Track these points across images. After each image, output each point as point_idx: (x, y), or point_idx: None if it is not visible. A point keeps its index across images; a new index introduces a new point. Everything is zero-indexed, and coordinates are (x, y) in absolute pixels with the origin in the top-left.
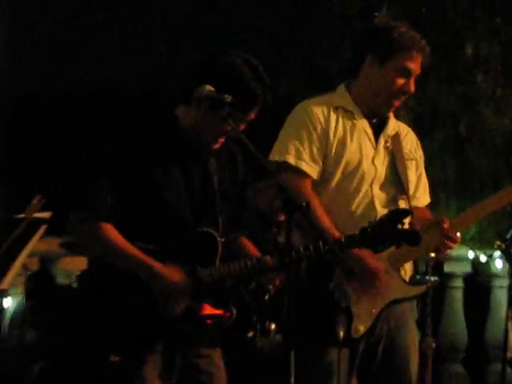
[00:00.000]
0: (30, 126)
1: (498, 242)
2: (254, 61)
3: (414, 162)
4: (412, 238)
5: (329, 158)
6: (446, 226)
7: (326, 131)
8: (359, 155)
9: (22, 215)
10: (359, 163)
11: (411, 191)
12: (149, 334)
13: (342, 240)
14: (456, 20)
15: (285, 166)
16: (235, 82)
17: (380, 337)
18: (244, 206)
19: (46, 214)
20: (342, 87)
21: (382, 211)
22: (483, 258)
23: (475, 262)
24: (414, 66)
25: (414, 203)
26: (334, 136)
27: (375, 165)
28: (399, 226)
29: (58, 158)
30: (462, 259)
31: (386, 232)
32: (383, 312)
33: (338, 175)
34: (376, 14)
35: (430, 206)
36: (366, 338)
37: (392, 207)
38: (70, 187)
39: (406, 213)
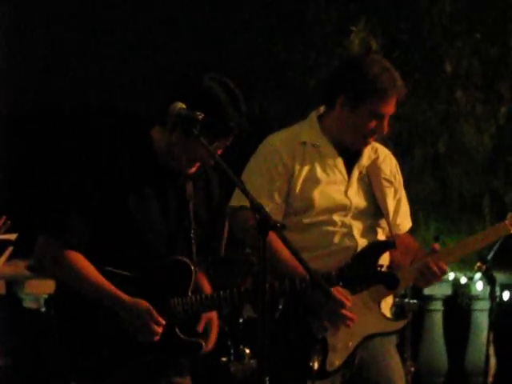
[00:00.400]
0: None
1: (479, 264)
2: (231, 85)
3: (392, 189)
4: (390, 281)
5: (294, 196)
6: (436, 259)
7: (289, 170)
8: (330, 190)
9: None
10: (331, 197)
11: (391, 217)
12: (118, 361)
13: (320, 279)
14: (435, 35)
15: (243, 207)
16: (213, 110)
17: (360, 367)
18: (215, 230)
19: (12, 236)
20: (313, 117)
21: (361, 241)
22: (464, 280)
23: (455, 284)
24: (388, 109)
25: (395, 230)
26: (300, 173)
27: (349, 197)
28: (379, 268)
29: (25, 178)
30: (442, 281)
31: (364, 274)
32: (360, 345)
33: (310, 211)
34: (353, 28)
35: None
36: (344, 370)
37: (371, 237)
38: (39, 210)
39: (387, 245)
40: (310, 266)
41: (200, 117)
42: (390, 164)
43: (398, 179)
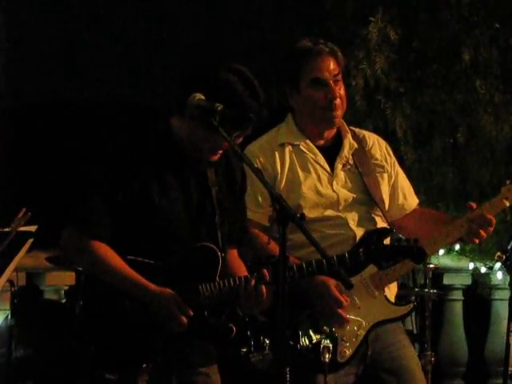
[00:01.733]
0: (16, 138)
1: (499, 254)
2: (249, 75)
3: (385, 175)
4: (417, 254)
5: None
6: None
7: (270, 174)
8: (315, 187)
9: (8, 229)
10: (317, 194)
11: (387, 204)
12: (146, 350)
13: (346, 257)
14: (454, 25)
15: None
16: (230, 100)
17: (375, 359)
18: (238, 216)
19: (32, 228)
20: (289, 118)
21: (358, 230)
22: (483, 270)
23: (475, 274)
24: (323, 72)
25: (401, 212)
26: (282, 175)
27: (335, 191)
28: (405, 242)
29: (46, 170)
30: (462, 271)
31: (391, 248)
32: (370, 334)
33: (299, 210)
34: (372, 18)
35: None
36: (357, 362)
37: (369, 225)
38: (63, 202)
39: (383, 232)
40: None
41: (219, 108)
42: (379, 147)
43: (391, 161)
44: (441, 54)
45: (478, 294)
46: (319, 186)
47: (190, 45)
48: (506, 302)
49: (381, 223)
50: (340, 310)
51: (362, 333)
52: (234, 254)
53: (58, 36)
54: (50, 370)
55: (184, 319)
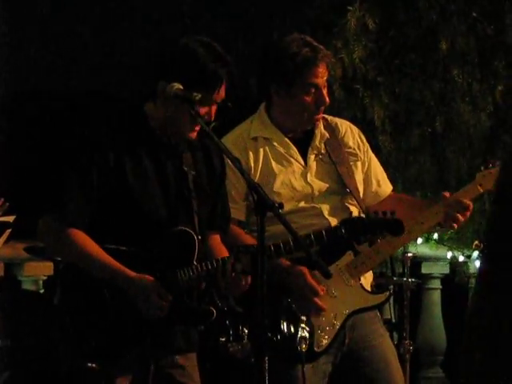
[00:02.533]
0: None
1: (477, 242)
2: (207, 40)
3: (359, 163)
4: (395, 226)
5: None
6: (448, 195)
7: (244, 168)
8: (289, 180)
9: None
10: (292, 187)
11: (361, 192)
12: (127, 339)
13: (323, 234)
14: (431, 14)
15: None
16: (194, 67)
17: (352, 347)
18: (220, 202)
19: (10, 218)
20: (262, 110)
21: (332, 220)
22: (461, 259)
23: (453, 263)
24: (319, 79)
25: (375, 199)
26: (256, 169)
27: (309, 182)
28: (383, 215)
29: (22, 160)
30: (440, 260)
31: (369, 222)
32: (347, 323)
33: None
34: (350, 8)
35: None
36: (334, 351)
37: (342, 215)
38: (38, 191)
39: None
40: (308, 247)
41: (197, 97)
42: (352, 135)
43: (364, 148)
44: (418, 43)
45: (456, 283)
46: (293, 179)
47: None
48: None
49: (355, 212)
50: (316, 299)
51: (339, 322)
52: (216, 239)
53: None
54: (28, 361)
55: (164, 304)
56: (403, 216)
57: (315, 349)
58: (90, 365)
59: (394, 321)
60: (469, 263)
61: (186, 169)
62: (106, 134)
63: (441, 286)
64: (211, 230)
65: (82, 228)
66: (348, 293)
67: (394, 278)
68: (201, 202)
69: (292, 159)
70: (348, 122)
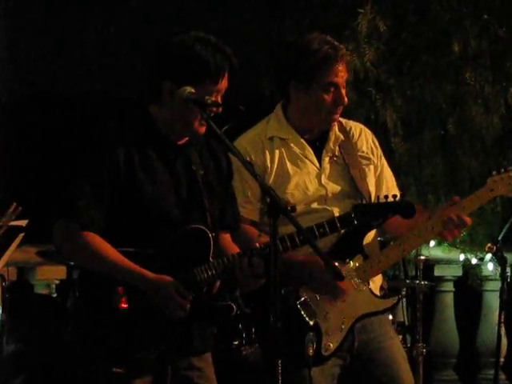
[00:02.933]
0: (5, 133)
1: (489, 245)
2: (202, 34)
3: (371, 166)
4: (407, 208)
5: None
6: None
7: (260, 168)
8: (303, 181)
9: None
10: (306, 189)
11: (373, 196)
12: (149, 339)
13: (336, 221)
14: (443, 16)
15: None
16: (194, 63)
17: (362, 350)
18: (228, 201)
19: (23, 222)
20: (278, 110)
21: None
22: (474, 261)
23: (466, 266)
24: (338, 78)
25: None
26: (272, 169)
27: (324, 185)
28: (393, 198)
29: (36, 165)
30: (453, 262)
31: (379, 205)
32: (355, 326)
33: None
34: (361, 10)
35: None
36: (343, 354)
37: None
38: (52, 196)
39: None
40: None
41: (209, 101)
42: (365, 139)
43: (377, 153)
44: (430, 45)
45: (469, 286)
46: (307, 181)
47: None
48: (497, 293)
49: None
50: (341, 283)
51: (347, 326)
52: (227, 238)
53: (51, 31)
54: (41, 364)
55: (186, 303)
56: (404, 227)
57: (323, 352)
58: (115, 369)
59: (407, 323)
60: (482, 266)
61: (194, 168)
62: (114, 136)
63: (454, 289)
64: (222, 229)
65: (97, 231)
66: (357, 297)
67: (407, 281)
68: (211, 200)
69: (307, 160)
70: (362, 126)
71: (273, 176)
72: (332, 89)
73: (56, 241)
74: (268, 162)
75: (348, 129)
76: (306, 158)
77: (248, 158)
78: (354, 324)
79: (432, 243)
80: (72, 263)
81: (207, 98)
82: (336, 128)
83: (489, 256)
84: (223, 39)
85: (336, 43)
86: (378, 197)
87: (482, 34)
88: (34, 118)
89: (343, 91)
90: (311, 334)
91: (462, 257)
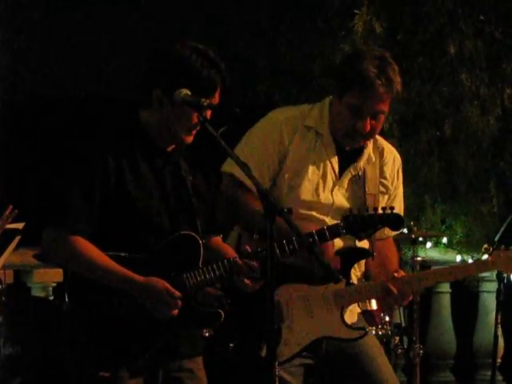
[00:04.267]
0: (0, 135)
1: (486, 246)
2: (200, 46)
3: (386, 196)
4: (395, 222)
5: (282, 180)
6: (393, 287)
7: (284, 149)
8: (316, 185)
9: None
10: (315, 192)
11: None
12: (137, 344)
13: (325, 229)
14: (439, 18)
15: (231, 177)
16: (188, 75)
17: (332, 350)
18: (217, 206)
19: (20, 225)
20: (326, 103)
21: (336, 241)
22: (471, 262)
23: None
24: (368, 109)
25: (381, 235)
26: (294, 157)
27: (333, 195)
28: (382, 211)
29: (32, 168)
30: (449, 263)
31: (368, 217)
32: (312, 344)
33: (292, 201)
34: (357, 11)
35: (416, 210)
36: (309, 357)
37: (348, 240)
38: (44, 198)
39: (364, 254)
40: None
41: (205, 103)
42: (392, 167)
43: (396, 184)
44: (426, 46)
45: (466, 287)
46: (321, 185)
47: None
48: (494, 294)
49: (364, 244)
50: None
51: (305, 342)
52: (218, 240)
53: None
54: (38, 367)
55: (176, 303)
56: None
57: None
58: (102, 374)
59: (403, 325)
60: None
61: (184, 174)
62: (104, 141)
63: (450, 290)
64: (212, 233)
65: (85, 236)
66: (326, 318)
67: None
68: (201, 206)
69: (329, 165)
70: (394, 151)
71: (293, 166)
72: (357, 113)
73: (45, 246)
74: (293, 147)
75: (381, 149)
76: (330, 162)
77: (278, 133)
78: (314, 342)
79: (429, 244)
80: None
81: (203, 100)
82: (371, 146)
83: (485, 257)
84: (220, 41)
85: (390, 73)
86: (367, 209)
87: (477, 36)
88: (32, 120)
89: (366, 122)
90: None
91: (458, 258)
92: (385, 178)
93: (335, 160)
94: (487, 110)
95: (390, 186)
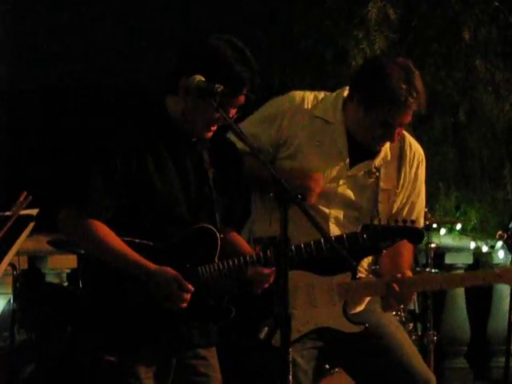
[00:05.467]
0: (15, 123)
1: (500, 232)
2: (238, 43)
3: (401, 195)
4: (414, 235)
5: (280, 164)
6: (396, 288)
7: (284, 135)
8: (318, 170)
9: (9, 213)
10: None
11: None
12: (147, 333)
13: (344, 237)
14: (453, 4)
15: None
16: (220, 67)
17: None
18: (238, 199)
19: (34, 211)
20: (339, 97)
21: (335, 230)
22: (485, 249)
23: (477, 253)
24: (399, 120)
25: None
26: (296, 150)
27: (338, 185)
28: (403, 223)
29: (45, 153)
30: (464, 250)
31: (389, 228)
32: (309, 334)
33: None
34: None
35: (430, 197)
36: (314, 340)
37: (351, 228)
38: (60, 182)
39: (374, 250)
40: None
41: (219, 89)
42: (416, 167)
43: (413, 185)
44: (441, 33)
45: None
46: (326, 172)
47: (181, 24)
48: None
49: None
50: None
51: (305, 330)
52: (234, 234)
53: (57, 23)
54: (52, 354)
55: (185, 296)
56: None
57: (273, 342)
58: (108, 358)
59: (417, 311)
60: (492, 253)
61: (206, 167)
62: (127, 127)
63: None
64: (229, 226)
65: (103, 220)
66: (328, 309)
67: (418, 269)
68: (221, 200)
69: (337, 154)
70: (420, 150)
71: (292, 155)
72: (386, 126)
73: (61, 226)
74: (298, 138)
75: (406, 147)
76: (339, 151)
77: (280, 119)
78: (312, 331)
79: (443, 231)
80: (82, 252)
81: (217, 86)
82: (388, 144)
83: (500, 243)
84: (235, 27)
85: (417, 85)
86: (388, 220)
87: (492, 22)
88: (46, 106)
89: (396, 131)
90: (270, 320)
91: (472, 244)
92: (404, 167)
93: (345, 150)
94: (502, 96)
95: (409, 186)
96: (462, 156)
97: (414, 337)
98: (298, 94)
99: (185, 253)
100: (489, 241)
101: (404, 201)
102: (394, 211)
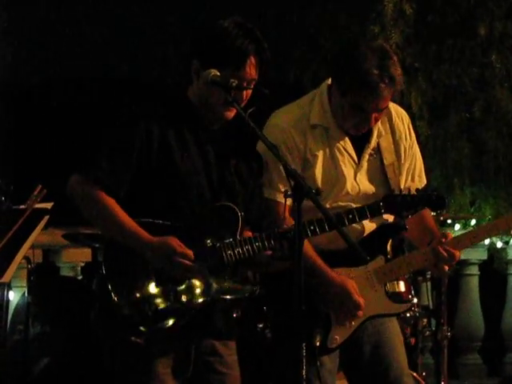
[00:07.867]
0: (30, 116)
1: None
2: (244, 21)
3: (407, 163)
4: (437, 202)
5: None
6: (445, 241)
7: (301, 153)
8: (339, 176)
9: (24, 206)
10: (341, 183)
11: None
12: (169, 313)
13: (366, 209)
14: None
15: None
16: (221, 44)
17: (360, 336)
18: (254, 200)
19: (48, 205)
20: (324, 90)
21: (368, 225)
22: (499, 245)
23: (491, 249)
24: (372, 105)
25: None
26: (314, 159)
27: (357, 182)
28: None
29: (61, 147)
30: (478, 246)
31: (410, 197)
32: (364, 324)
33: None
34: None
35: (445, 191)
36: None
37: (379, 220)
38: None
39: (397, 227)
40: (346, 232)
41: (234, 84)
42: (402, 126)
43: (410, 143)
44: (456, 28)
45: (494, 269)
46: (343, 176)
47: (197, 15)
48: None
49: (390, 218)
50: (359, 312)
51: (357, 323)
52: (248, 233)
53: (62, 16)
54: (67, 347)
55: (187, 263)
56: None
57: (328, 345)
58: (133, 339)
59: (431, 307)
60: (507, 249)
61: (227, 156)
62: (149, 110)
63: (479, 272)
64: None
65: (113, 196)
66: (371, 297)
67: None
68: (242, 190)
69: (346, 155)
70: (400, 110)
71: (315, 165)
72: (360, 111)
73: (69, 191)
74: (309, 149)
75: (389, 116)
76: (346, 151)
77: (291, 140)
78: (364, 322)
79: (457, 226)
80: (97, 246)
81: (232, 81)
82: (379, 122)
83: None
84: (249, 22)
85: (392, 70)
86: (409, 189)
87: (508, 16)
88: (60, 99)
89: (372, 116)
90: (320, 323)
91: (487, 240)
92: (400, 138)
93: (350, 147)
94: None
95: (404, 142)
96: (477, 151)
97: (427, 332)
98: (285, 111)
99: (206, 230)
100: (503, 236)
101: (413, 167)
102: (403, 182)
